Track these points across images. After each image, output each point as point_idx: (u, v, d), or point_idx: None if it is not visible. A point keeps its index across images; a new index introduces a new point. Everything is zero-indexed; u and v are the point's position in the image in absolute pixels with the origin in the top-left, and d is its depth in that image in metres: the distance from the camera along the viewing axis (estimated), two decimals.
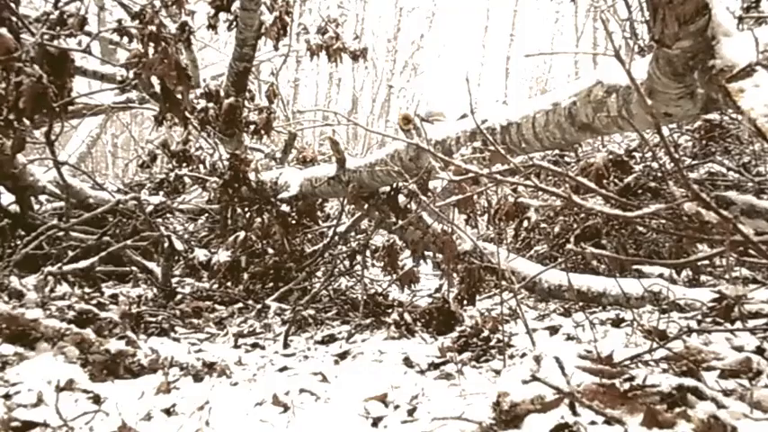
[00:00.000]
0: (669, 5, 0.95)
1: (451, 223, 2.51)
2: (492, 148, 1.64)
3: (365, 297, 2.70)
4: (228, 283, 3.10)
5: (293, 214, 3.22)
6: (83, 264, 2.70)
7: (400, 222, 2.72)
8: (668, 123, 1.74)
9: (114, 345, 1.69)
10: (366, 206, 2.85)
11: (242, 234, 3.04)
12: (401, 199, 2.78)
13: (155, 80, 2.85)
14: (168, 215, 4.14)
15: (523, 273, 2.50)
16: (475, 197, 2.13)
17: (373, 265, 3.67)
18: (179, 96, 2.80)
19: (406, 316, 2.32)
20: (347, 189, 2.69)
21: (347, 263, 3.36)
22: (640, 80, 1.17)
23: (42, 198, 3.96)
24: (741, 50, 0.98)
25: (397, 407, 1.36)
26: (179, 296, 2.99)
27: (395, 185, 2.74)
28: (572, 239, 2.57)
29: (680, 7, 0.95)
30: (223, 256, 2.99)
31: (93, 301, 2.34)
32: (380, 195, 2.82)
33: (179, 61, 2.68)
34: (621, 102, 1.37)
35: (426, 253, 2.92)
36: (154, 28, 2.63)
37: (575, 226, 3.00)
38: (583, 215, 2.95)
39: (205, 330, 2.51)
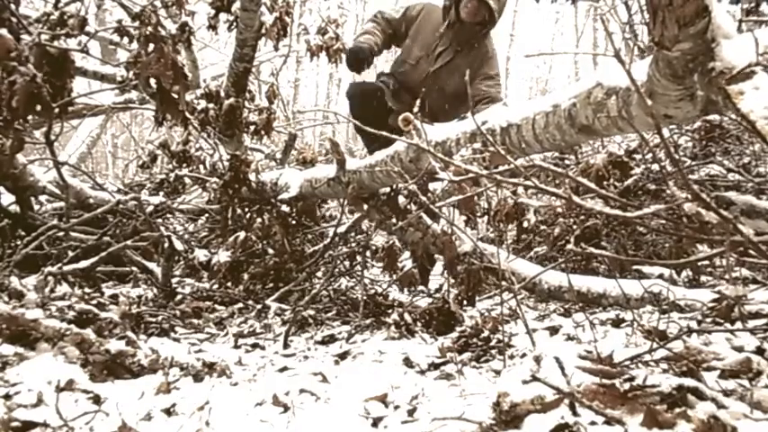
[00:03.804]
0: (669, 8, 0.95)
1: (451, 223, 2.52)
2: (492, 149, 1.64)
3: (365, 297, 2.70)
4: (228, 284, 3.10)
5: (293, 215, 3.22)
6: (83, 264, 2.69)
7: (400, 223, 2.72)
8: (668, 125, 1.74)
9: (114, 345, 1.68)
10: (366, 207, 2.85)
11: (242, 234, 3.05)
12: (401, 200, 2.79)
13: (152, 80, 2.85)
14: (168, 215, 4.15)
15: (523, 274, 2.50)
16: (475, 198, 2.13)
17: (373, 266, 3.68)
18: (175, 96, 2.80)
19: (407, 316, 2.32)
20: (347, 190, 2.69)
21: (347, 263, 3.36)
22: (640, 82, 1.17)
23: (42, 198, 3.96)
24: (741, 53, 0.98)
25: (397, 407, 1.36)
26: (179, 296, 2.99)
27: (395, 187, 2.74)
28: (572, 240, 2.57)
29: (680, 9, 0.95)
30: (223, 256, 2.99)
31: (94, 302, 2.33)
32: (380, 197, 2.82)
33: (175, 60, 2.67)
34: (621, 103, 1.37)
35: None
36: (151, 28, 2.63)
37: (574, 227, 3.00)
38: (583, 216, 2.96)
39: (205, 330, 2.51)
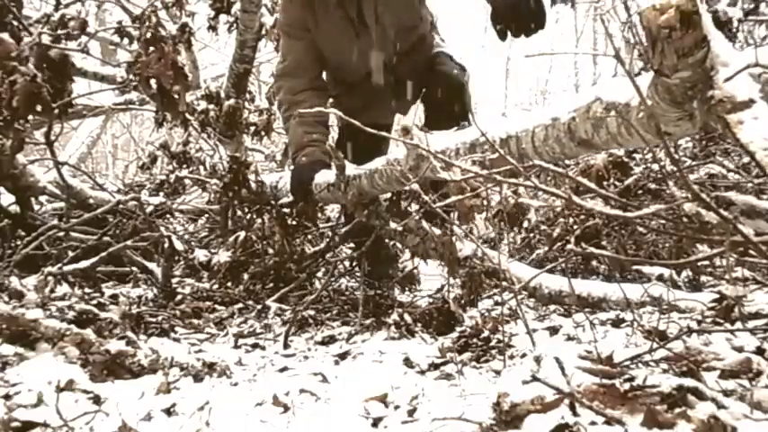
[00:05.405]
0: (668, 40, 0.96)
1: (452, 222, 2.51)
2: (492, 157, 1.64)
3: (365, 297, 2.69)
4: (228, 284, 3.10)
5: (293, 216, 3.22)
6: (83, 264, 2.69)
7: (399, 228, 2.71)
8: (669, 141, 1.74)
9: (114, 345, 1.69)
10: (366, 213, 2.84)
11: (242, 234, 3.04)
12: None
13: (153, 81, 2.86)
14: (168, 216, 4.15)
15: (524, 277, 2.50)
16: (474, 205, 2.12)
17: None
18: (176, 96, 2.80)
19: (407, 316, 2.31)
20: (347, 196, 2.67)
21: (347, 263, 3.36)
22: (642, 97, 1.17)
23: (43, 198, 3.97)
24: (740, 81, 0.98)
25: (397, 407, 1.36)
26: (179, 296, 2.99)
27: (394, 192, 2.72)
28: (572, 240, 2.57)
29: (679, 41, 0.95)
30: (223, 256, 2.99)
31: (94, 302, 2.34)
32: (381, 202, 2.81)
33: (176, 61, 2.68)
34: (620, 119, 1.37)
35: None
36: (151, 29, 2.63)
37: (575, 227, 3.00)
38: (583, 216, 2.96)
39: (205, 331, 2.50)
